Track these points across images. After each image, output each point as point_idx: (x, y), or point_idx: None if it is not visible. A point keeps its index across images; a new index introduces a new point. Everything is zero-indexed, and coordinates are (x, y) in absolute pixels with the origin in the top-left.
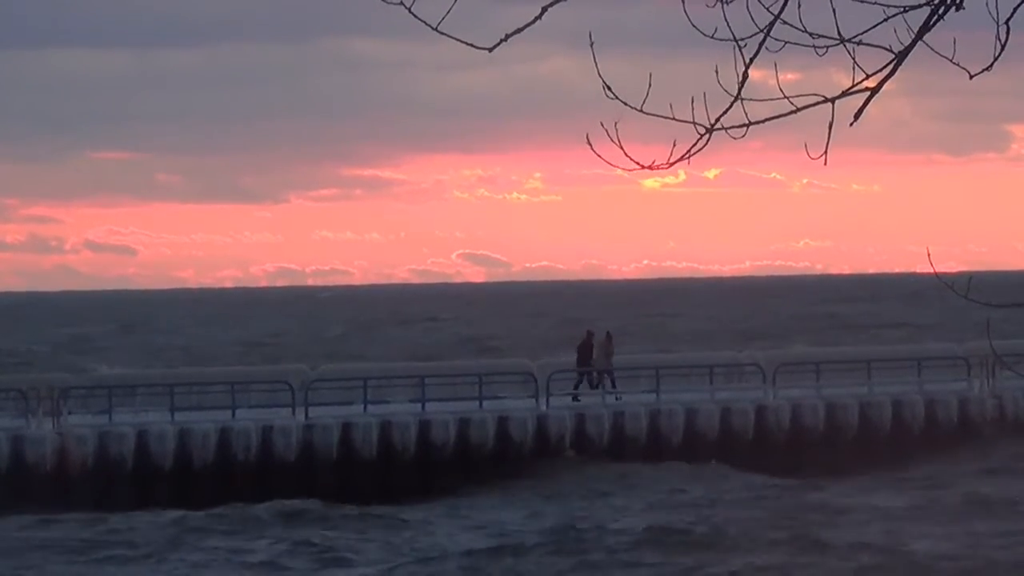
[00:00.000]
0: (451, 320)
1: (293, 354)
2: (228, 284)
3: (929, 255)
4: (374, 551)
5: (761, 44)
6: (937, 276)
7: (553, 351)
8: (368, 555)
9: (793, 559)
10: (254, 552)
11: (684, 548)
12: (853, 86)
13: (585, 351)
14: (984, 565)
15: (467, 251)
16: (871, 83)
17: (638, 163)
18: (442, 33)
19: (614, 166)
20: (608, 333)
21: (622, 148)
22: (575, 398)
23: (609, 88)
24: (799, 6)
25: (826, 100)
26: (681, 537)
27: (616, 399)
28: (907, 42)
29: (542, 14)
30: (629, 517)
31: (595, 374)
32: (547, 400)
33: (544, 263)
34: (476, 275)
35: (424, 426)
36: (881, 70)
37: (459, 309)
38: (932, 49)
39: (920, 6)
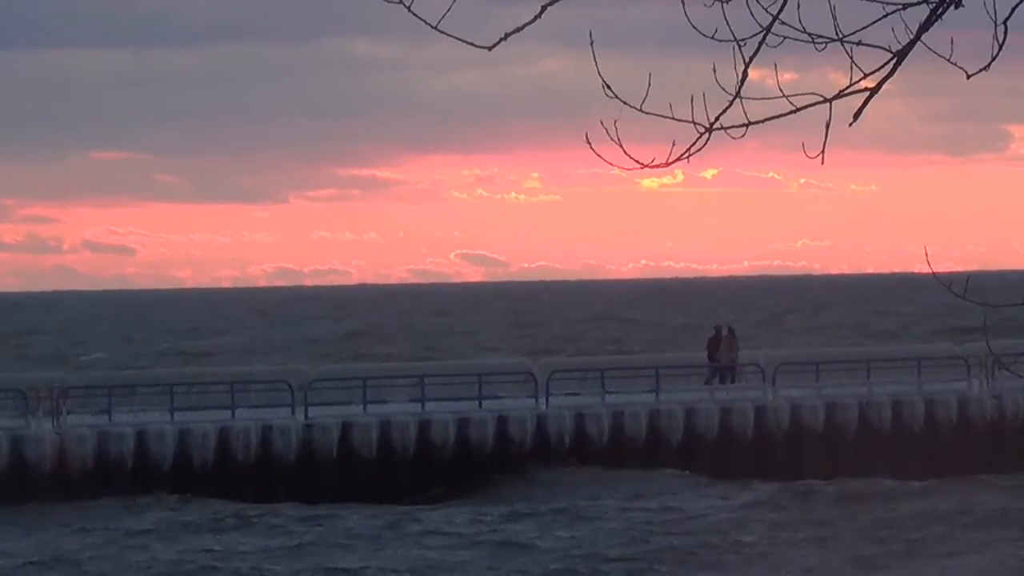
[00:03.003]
0: (451, 319)
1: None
2: (226, 284)
3: (927, 255)
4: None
5: (760, 44)
6: (935, 276)
7: (552, 350)
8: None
9: None
10: None
11: None
12: (851, 85)
13: (714, 346)
14: None
15: (465, 251)
16: (870, 83)
17: (638, 161)
18: (442, 32)
19: (613, 165)
20: (731, 329)
21: (621, 146)
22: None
23: (608, 87)
24: (798, 6)
25: (825, 100)
26: None
27: (725, 395)
28: (906, 41)
29: (541, 13)
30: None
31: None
32: (547, 400)
33: (542, 263)
34: (474, 275)
35: (424, 426)
36: (880, 69)
37: (458, 308)
38: (930, 49)
39: (919, 4)
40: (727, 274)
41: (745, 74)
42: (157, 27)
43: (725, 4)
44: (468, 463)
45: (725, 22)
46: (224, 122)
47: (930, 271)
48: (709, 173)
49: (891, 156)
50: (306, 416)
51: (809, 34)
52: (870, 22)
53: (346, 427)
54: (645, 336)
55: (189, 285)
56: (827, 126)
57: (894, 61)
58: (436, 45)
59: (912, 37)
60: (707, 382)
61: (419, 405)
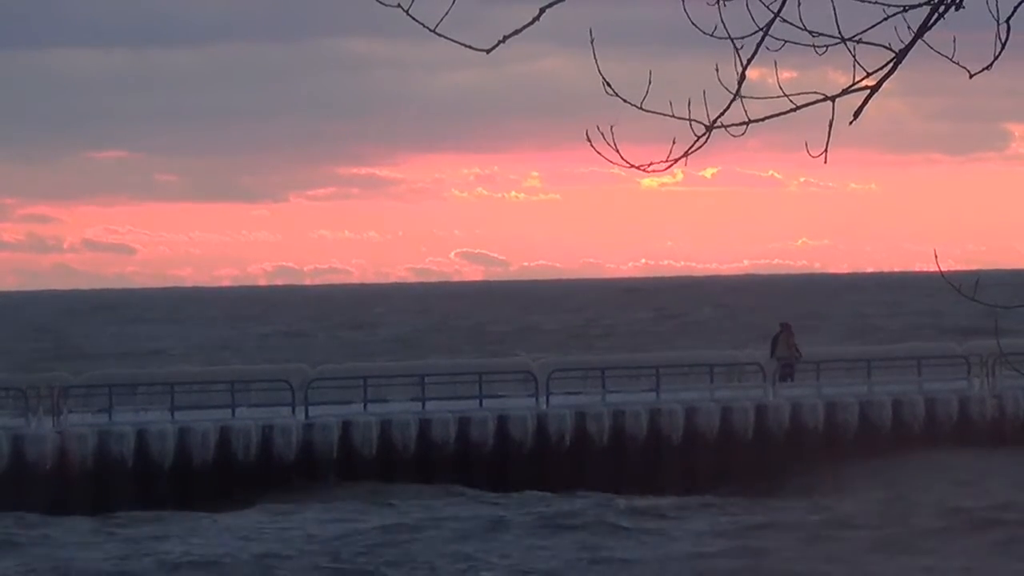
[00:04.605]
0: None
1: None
2: (226, 283)
3: (936, 256)
4: None
5: (759, 43)
6: (943, 276)
7: (552, 349)
8: None
9: None
10: None
11: None
12: (854, 84)
13: (774, 343)
14: None
15: (465, 250)
16: (870, 82)
17: (632, 164)
18: (440, 35)
19: (614, 163)
20: (787, 325)
21: (618, 151)
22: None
23: (608, 84)
24: (799, 4)
25: (827, 98)
26: None
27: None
28: (907, 41)
29: (540, 16)
30: None
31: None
32: (547, 399)
33: (542, 262)
34: (474, 274)
35: (424, 425)
36: (880, 69)
37: (457, 307)
38: (932, 48)
39: (920, 5)
40: (727, 273)
41: (743, 73)
42: (157, 27)
43: (726, 3)
44: (468, 462)
45: (723, 23)
46: (224, 122)
47: (930, 270)
48: (709, 172)
49: (891, 155)
50: (306, 415)
51: (810, 32)
52: (871, 23)
53: (347, 426)
54: (645, 335)
55: (189, 284)
56: (830, 124)
57: (895, 61)
58: (436, 44)
59: (913, 36)
60: (782, 378)
61: (420, 404)
